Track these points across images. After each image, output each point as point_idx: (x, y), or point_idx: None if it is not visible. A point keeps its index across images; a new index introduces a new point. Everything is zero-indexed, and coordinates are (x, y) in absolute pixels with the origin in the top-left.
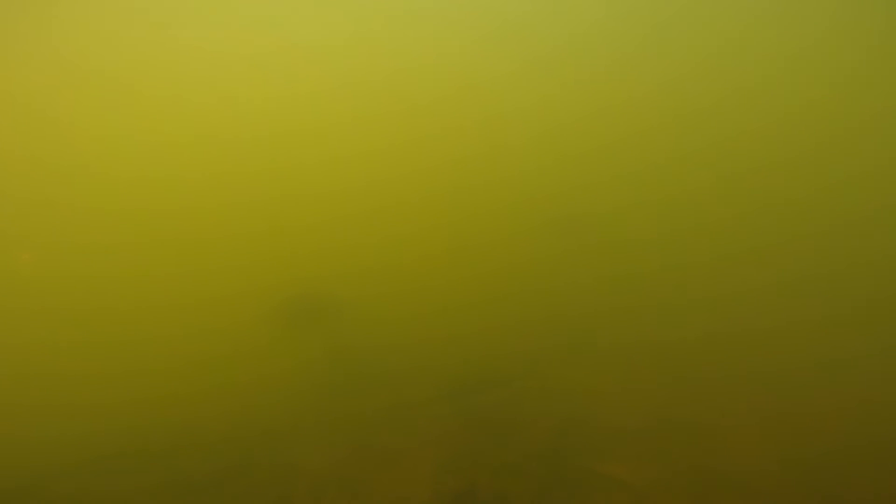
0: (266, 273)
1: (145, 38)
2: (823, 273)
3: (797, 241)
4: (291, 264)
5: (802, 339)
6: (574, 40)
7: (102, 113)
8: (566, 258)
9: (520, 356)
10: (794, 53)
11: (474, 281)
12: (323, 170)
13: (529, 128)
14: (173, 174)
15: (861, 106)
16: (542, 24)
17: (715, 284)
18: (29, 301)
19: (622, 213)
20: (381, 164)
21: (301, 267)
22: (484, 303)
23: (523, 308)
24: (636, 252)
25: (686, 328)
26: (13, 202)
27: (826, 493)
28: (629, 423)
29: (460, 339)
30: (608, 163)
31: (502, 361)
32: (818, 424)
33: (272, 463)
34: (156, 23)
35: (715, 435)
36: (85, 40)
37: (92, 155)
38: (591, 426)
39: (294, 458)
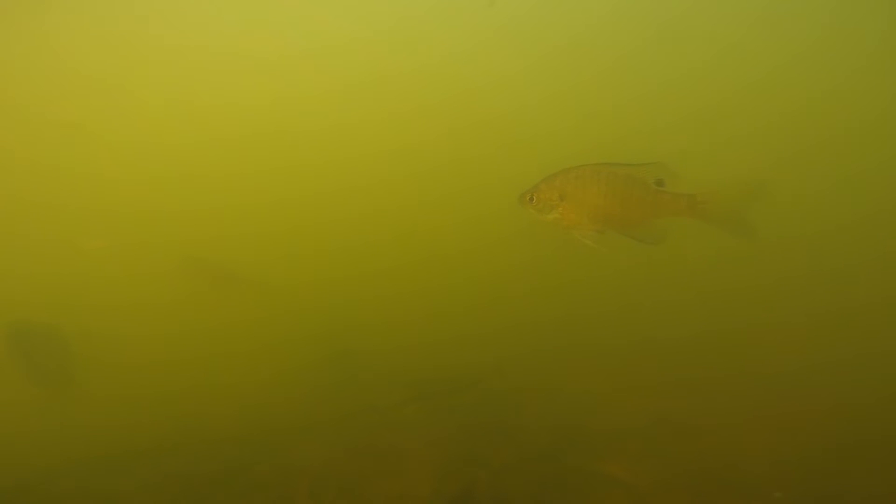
0: (265, 272)
1: (144, 38)
2: (824, 273)
3: (797, 240)
4: (288, 264)
5: (802, 339)
6: (573, 42)
7: (101, 115)
8: (562, 259)
9: (519, 357)
10: (794, 53)
11: (470, 281)
12: (315, 173)
13: (519, 131)
14: (172, 174)
15: (863, 105)
16: (538, 26)
17: (715, 284)
18: (29, 296)
19: None
20: (367, 169)
21: (297, 267)
22: (483, 304)
23: (521, 309)
24: (635, 252)
25: (686, 327)
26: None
27: (826, 494)
28: (629, 423)
29: (459, 339)
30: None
31: (500, 362)
32: (818, 425)
33: (272, 463)
34: (154, 22)
35: (715, 435)
36: (80, 40)
37: (90, 155)
38: (590, 427)
39: (294, 458)
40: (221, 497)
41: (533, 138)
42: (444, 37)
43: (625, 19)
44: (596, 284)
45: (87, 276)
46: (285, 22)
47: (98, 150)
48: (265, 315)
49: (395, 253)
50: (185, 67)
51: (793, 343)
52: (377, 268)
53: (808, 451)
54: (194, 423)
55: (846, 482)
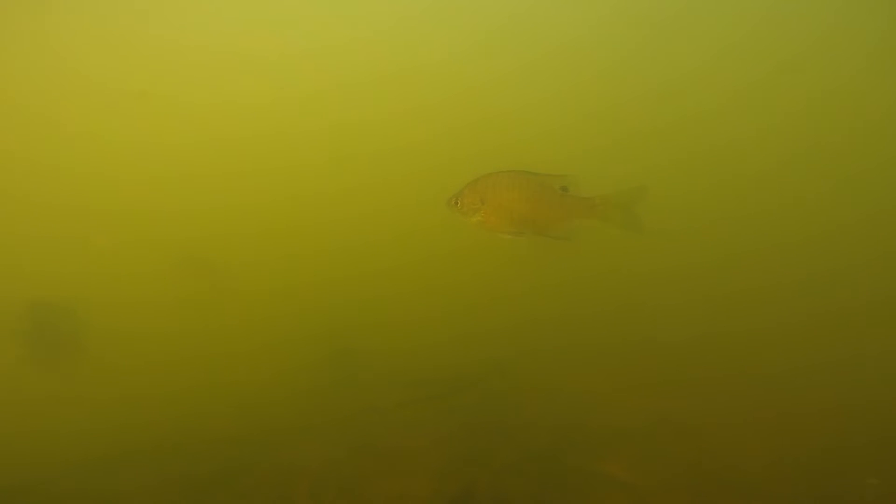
0: (264, 273)
1: (142, 39)
2: (823, 273)
3: (797, 241)
4: (287, 264)
5: (802, 339)
6: (574, 42)
7: (102, 115)
8: (562, 257)
9: (519, 357)
10: (794, 54)
11: (470, 281)
12: (315, 173)
13: (524, 130)
14: (173, 174)
15: (862, 107)
16: (539, 25)
17: (715, 284)
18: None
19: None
20: (367, 169)
21: (297, 267)
22: (482, 304)
23: (521, 309)
24: (636, 252)
25: (686, 328)
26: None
27: (826, 494)
28: (629, 423)
29: (459, 339)
30: (602, 165)
31: (500, 362)
32: (818, 425)
33: (272, 463)
34: (153, 23)
35: (715, 435)
36: (80, 41)
37: (91, 156)
38: (590, 427)
39: (294, 458)
40: (222, 497)
41: (531, 138)
42: (439, 36)
43: (625, 16)
44: (596, 284)
45: (90, 273)
46: (285, 22)
47: (97, 149)
48: (266, 315)
49: (395, 253)
50: (187, 66)
51: (793, 344)
52: (377, 268)
53: (808, 451)
54: (195, 423)
55: (846, 482)
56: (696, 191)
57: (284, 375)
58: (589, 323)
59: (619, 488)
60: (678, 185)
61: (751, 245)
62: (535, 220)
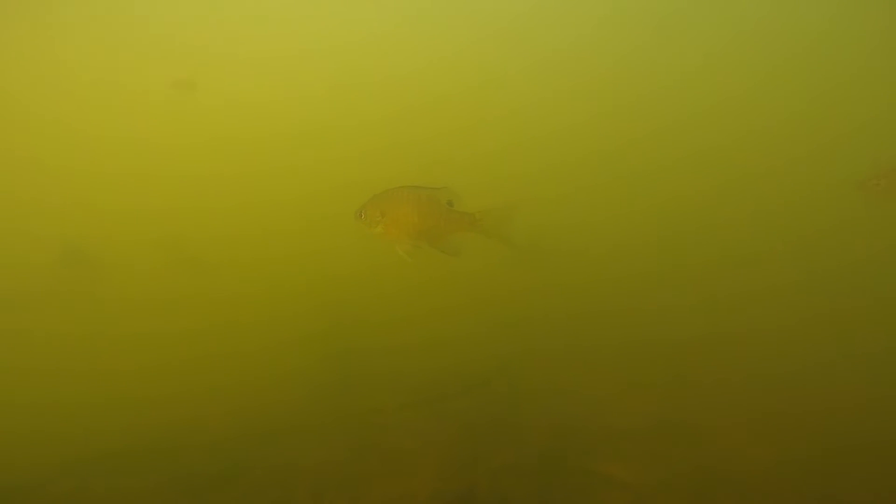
0: (265, 273)
1: (142, 38)
2: (822, 274)
3: (796, 242)
4: (287, 263)
5: (802, 340)
6: (576, 42)
7: (104, 114)
8: (563, 258)
9: (519, 357)
10: (792, 55)
11: (467, 281)
12: (314, 172)
13: (526, 130)
14: (174, 175)
15: (860, 108)
16: (541, 25)
17: (715, 285)
18: (29, 296)
19: (621, 216)
20: (365, 168)
21: (296, 267)
22: (478, 304)
23: (520, 309)
24: (636, 252)
25: (686, 328)
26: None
27: (826, 494)
28: (630, 424)
29: (459, 341)
30: (604, 165)
31: (502, 363)
32: (818, 424)
33: (272, 463)
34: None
35: (715, 435)
36: (82, 42)
37: (93, 156)
38: (591, 427)
39: (294, 458)
40: (222, 497)
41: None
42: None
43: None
44: (596, 285)
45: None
46: (285, 22)
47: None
48: (266, 314)
49: (394, 252)
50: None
51: (792, 344)
52: (380, 267)
53: (808, 451)
54: (195, 423)
55: (846, 482)
56: (690, 192)
57: (285, 375)
58: (589, 323)
59: (619, 488)
60: (671, 186)
61: (750, 246)
62: (427, 231)
